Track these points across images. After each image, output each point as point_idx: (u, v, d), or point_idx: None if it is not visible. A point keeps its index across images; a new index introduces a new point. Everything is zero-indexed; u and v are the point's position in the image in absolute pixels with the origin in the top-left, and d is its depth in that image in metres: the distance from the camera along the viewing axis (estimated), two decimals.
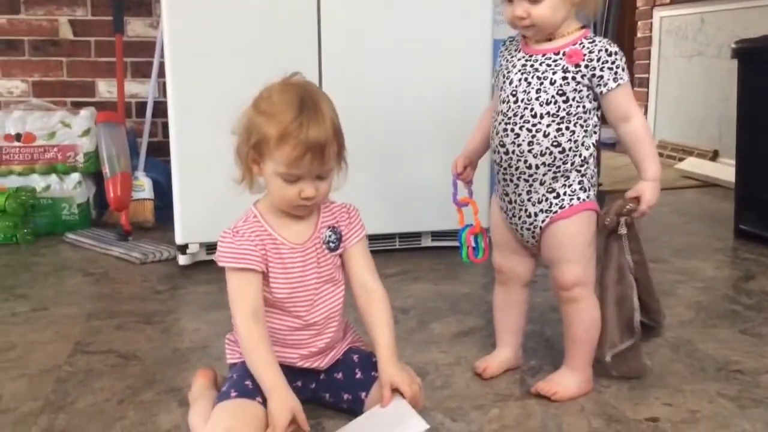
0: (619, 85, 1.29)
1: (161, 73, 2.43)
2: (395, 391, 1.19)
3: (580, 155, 1.32)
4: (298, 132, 1.14)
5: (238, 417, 1.13)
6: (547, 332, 1.70)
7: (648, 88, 4.66)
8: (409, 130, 2.32)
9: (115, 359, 1.57)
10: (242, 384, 1.19)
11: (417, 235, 2.45)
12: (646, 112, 4.68)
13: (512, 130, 1.32)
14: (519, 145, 1.32)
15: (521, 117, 1.31)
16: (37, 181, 2.74)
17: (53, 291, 2.05)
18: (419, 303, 1.94)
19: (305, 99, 1.17)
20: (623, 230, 1.36)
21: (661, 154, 4.40)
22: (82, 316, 1.83)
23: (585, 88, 1.30)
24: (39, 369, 1.51)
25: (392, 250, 2.41)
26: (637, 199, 1.32)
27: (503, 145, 1.34)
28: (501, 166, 1.36)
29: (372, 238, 2.36)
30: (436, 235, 2.44)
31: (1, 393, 1.40)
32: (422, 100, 2.30)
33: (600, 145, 3.26)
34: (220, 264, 1.23)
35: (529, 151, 1.31)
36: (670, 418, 1.29)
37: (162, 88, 2.73)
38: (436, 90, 2.29)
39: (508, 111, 1.33)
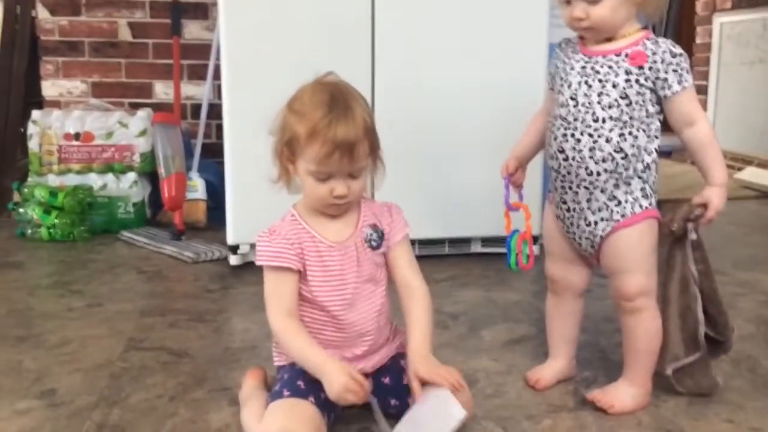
0: (684, 88, 1.24)
1: (216, 76, 2.47)
2: (426, 384, 1.18)
3: (643, 161, 1.28)
4: (326, 130, 1.15)
5: (291, 416, 1.14)
6: (602, 343, 1.66)
7: (707, 95, 4.54)
8: (460, 134, 2.30)
9: (167, 356, 1.58)
10: (294, 384, 1.20)
11: (466, 241, 2.42)
12: None
13: (572, 135, 1.28)
14: (580, 151, 1.27)
15: (582, 121, 1.27)
16: (94, 180, 2.80)
17: (108, 288, 2.09)
18: (469, 309, 1.91)
19: (336, 97, 1.18)
20: (693, 236, 1.31)
21: None
22: (136, 313, 1.86)
23: (648, 91, 1.25)
24: (93, 364, 1.54)
25: (441, 256, 2.39)
26: (704, 206, 1.27)
27: (562, 151, 1.30)
28: (560, 173, 1.32)
29: (421, 243, 2.36)
30: (486, 241, 2.41)
31: (57, 386, 1.42)
32: (475, 104, 2.28)
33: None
34: (258, 263, 1.24)
35: (591, 157, 1.27)
36: None
37: (217, 91, 2.76)
38: (490, 94, 2.27)
39: (567, 115, 1.29)
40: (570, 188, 1.32)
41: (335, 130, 1.15)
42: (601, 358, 1.57)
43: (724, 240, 2.67)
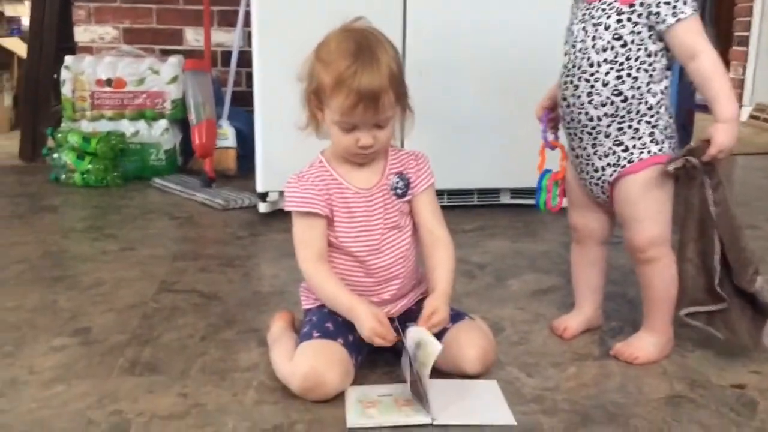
0: (679, 20, 1.19)
1: (247, 23, 2.45)
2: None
3: (646, 103, 1.25)
4: (351, 80, 1.14)
5: (320, 356, 1.17)
6: (630, 293, 1.65)
7: (747, 47, 4.41)
8: (492, 84, 2.26)
9: (198, 299, 1.61)
10: (323, 326, 1.22)
11: (495, 192, 2.41)
12: (743, 73, 4.44)
13: (571, 82, 1.29)
14: (579, 97, 1.27)
15: (579, 67, 1.27)
16: (126, 127, 2.83)
17: (140, 233, 2.12)
18: (496, 259, 1.91)
19: (362, 46, 1.16)
20: (671, 167, 1.22)
21: (757, 117, 4.19)
22: (168, 257, 1.89)
23: (645, 29, 1.22)
24: (126, 305, 1.57)
25: (470, 206, 2.38)
26: (707, 142, 1.20)
27: (564, 99, 1.31)
28: (565, 119, 1.33)
29: (450, 194, 2.36)
30: (515, 192, 2.40)
31: (91, 325, 1.46)
32: (509, 52, 2.24)
33: (694, 107, 3.12)
34: (287, 209, 1.26)
35: (589, 102, 1.26)
36: (757, 386, 1.24)
37: (247, 38, 2.75)
38: (524, 41, 2.22)
39: (568, 63, 1.30)
40: (576, 134, 1.32)
41: (359, 81, 1.14)
42: (630, 308, 1.57)
43: (759, 194, 2.63)
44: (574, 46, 1.29)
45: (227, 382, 1.23)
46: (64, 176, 2.68)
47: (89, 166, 2.64)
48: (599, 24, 1.25)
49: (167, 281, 1.72)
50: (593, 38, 1.25)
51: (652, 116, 1.26)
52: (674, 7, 1.19)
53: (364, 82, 1.14)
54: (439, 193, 2.33)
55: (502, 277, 1.78)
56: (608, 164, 1.29)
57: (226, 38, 3.23)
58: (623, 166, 1.27)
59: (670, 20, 1.20)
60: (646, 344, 1.33)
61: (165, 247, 1.99)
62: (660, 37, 1.23)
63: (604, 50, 1.24)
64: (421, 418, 1.11)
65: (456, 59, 2.22)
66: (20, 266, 1.81)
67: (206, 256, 1.92)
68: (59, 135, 2.73)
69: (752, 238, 1.36)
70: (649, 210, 1.27)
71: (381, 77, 1.15)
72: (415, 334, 1.17)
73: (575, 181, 1.39)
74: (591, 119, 1.27)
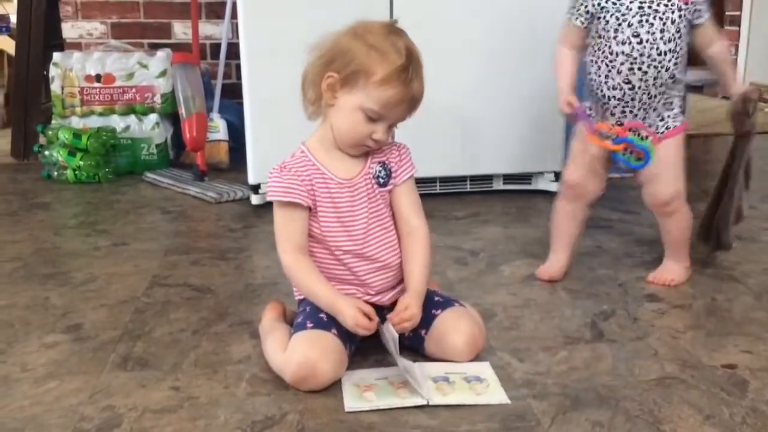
0: (708, 13, 1.48)
1: (234, 14, 2.43)
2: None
3: (681, 83, 1.51)
4: (405, 79, 1.16)
5: (314, 346, 1.17)
6: (621, 277, 1.65)
7: (740, 26, 4.38)
8: (483, 71, 2.26)
9: (190, 292, 1.61)
10: (317, 316, 1.22)
11: (488, 178, 2.41)
12: (736, 53, 4.43)
13: (639, 68, 1.47)
14: (645, 81, 1.47)
15: (648, 56, 1.46)
16: (116, 122, 2.81)
17: (133, 227, 2.12)
18: (489, 246, 1.91)
19: (412, 50, 1.19)
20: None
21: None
22: (160, 252, 1.89)
23: (688, 23, 1.47)
24: (119, 300, 1.57)
25: (463, 193, 2.38)
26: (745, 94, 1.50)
27: (628, 82, 1.48)
28: (622, 100, 1.50)
29: (443, 181, 2.35)
30: (508, 178, 2.40)
31: (83, 321, 1.46)
32: (498, 39, 2.23)
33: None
34: (269, 198, 1.26)
35: (653, 84, 1.48)
36: (748, 365, 1.24)
37: (236, 30, 2.73)
38: (513, 29, 2.22)
39: (632, 52, 1.46)
40: (630, 112, 1.52)
41: (412, 83, 1.17)
42: (621, 292, 1.57)
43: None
44: (636, 36, 1.45)
45: (219, 374, 1.23)
46: (55, 173, 2.67)
47: (80, 163, 2.63)
48: (666, 18, 1.44)
49: (159, 275, 1.72)
50: (661, 31, 1.45)
51: (680, 91, 1.54)
52: (705, 3, 1.48)
53: (415, 86, 1.19)
54: (432, 181, 2.34)
55: (494, 263, 1.78)
56: (652, 133, 1.52)
57: (215, 30, 3.22)
58: (662, 133, 1.52)
59: (706, 15, 1.48)
60: (675, 269, 1.60)
61: (157, 241, 1.99)
62: (689, 29, 1.49)
63: (670, 41, 1.46)
64: (417, 400, 1.12)
65: (446, 44, 2.21)
66: (13, 264, 1.80)
67: (198, 250, 1.91)
68: (50, 132, 2.71)
69: (748, 217, 1.40)
70: (673, 168, 1.54)
71: (423, 85, 1.21)
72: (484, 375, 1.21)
73: (596, 146, 1.54)
74: (651, 97, 1.50)
